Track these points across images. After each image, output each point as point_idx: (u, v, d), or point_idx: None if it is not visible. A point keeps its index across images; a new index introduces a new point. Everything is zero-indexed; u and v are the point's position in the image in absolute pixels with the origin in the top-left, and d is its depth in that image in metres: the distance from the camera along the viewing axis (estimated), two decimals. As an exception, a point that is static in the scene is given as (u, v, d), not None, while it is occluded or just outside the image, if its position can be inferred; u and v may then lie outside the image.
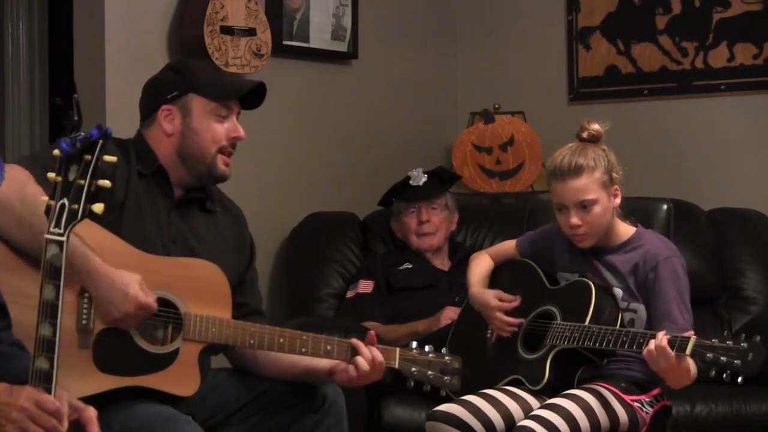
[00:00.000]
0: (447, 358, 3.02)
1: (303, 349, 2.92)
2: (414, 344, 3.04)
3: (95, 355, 2.69)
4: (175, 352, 2.79)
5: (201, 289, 2.84)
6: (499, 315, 3.31)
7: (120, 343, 2.72)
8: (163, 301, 2.78)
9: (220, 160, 2.97)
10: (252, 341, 2.89)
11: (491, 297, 3.34)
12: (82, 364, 2.66)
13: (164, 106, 2.95)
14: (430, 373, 3.00)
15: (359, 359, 2.92)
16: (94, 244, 2.67)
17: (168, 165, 2.94)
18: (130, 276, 2.70)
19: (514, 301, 3.32)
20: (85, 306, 2.68)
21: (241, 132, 3.01)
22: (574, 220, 3.15)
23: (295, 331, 2.93)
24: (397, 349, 3.00)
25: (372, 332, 3.00)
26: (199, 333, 2.81)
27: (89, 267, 2.66)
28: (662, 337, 2.83)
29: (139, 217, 2.85)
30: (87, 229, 2.67)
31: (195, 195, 3.01)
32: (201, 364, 2.85)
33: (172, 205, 2.95)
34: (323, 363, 2.96)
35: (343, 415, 2.99)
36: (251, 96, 3.05)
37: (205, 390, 2.92)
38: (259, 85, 3.04)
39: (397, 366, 2.99)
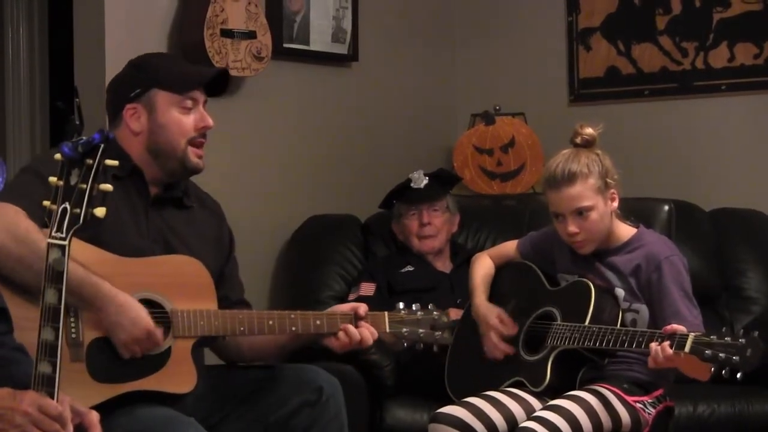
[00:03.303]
0: (435, 313, 3.09)
1: (293, 328, 2.94)
2: (401, 305, 3.09)
3: (89, 366, 2.69)
4: (168, 351, 2.80)
5: (183, 285, 2.85)
6: (494, 337, 3.31)
7: (112, 351, 2.73)
8: (147, 302, 2.79)
9: (192, 152, 2.96)
10: (242, 328, 2.90)
11: (493, 315, 3.33)
12: (78, 377, 2.65)
13: (128, 105, 2.94)
14: (421, 331, 3.06)
15: (350, 327, 2.97)
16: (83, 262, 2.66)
17: (141, 164, 2.94)
18: (139, 304, 2.72)
19: (513, 329, 3.31)
20: (72, 320, 2.68)
21: (209, 121, 2.99)
22: (572, 228, 3.16)
23: (283, 312, 2.96)
24: (386, 313, 3.04)
25: (359, 307, 3.03)
26: (188, 328, 2.82)
27: (99, 293, 2.68)
28: (664, 347, 2.84)
29: (119, 223, 2.84)
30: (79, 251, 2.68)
31: (171, 194, 3.00)
32: (195, 358, 2.85)
33: (148, 204, 2.94)
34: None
35: (341, 409, 2.99)
36: (216, 83, 3.03)
37: (202, 389, 2.93)
38: (222, 72, 3.03)
39: (387, 330, 3.03)
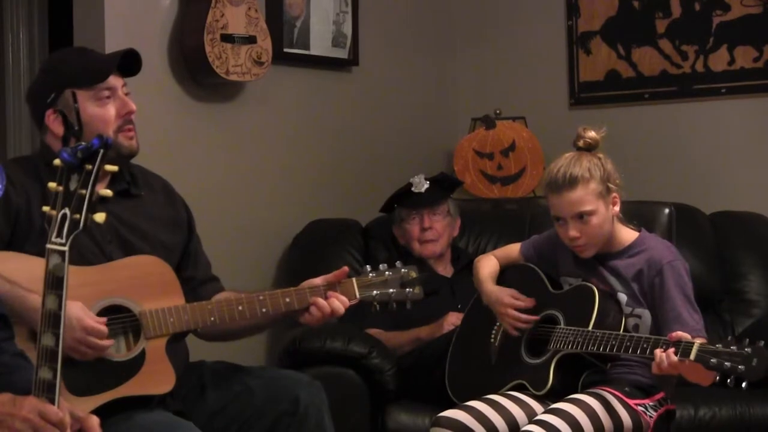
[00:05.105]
0: (403, 270, 3.08)
1: (264, 310, 2.94)
2: (368, 267, 3.08)
3: (67, 382, 2.64)
4: (142, 354, 2.79)
5: (147, 284, 2.84)
6: (512, 311, 3.30)
7: (87, 364, 2.71)
8: (115, 308, 2.77)
9: (122, 138, 2.93)
10: (213, 318, 2.90)
11: (506, 294, 3.33)
12: None
13: (48, 112, 2.91)
14: (391, 290, 3.05)
15: (319, 300, 2.96)
16: (26, 276, 2.63)
17: None
18: (70, 305, 2.64)
19: (527, 301, 3.30)
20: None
21: (132, 106, 2.95)
22: (573, 232, 3.15)
23: (251, 295, 2.95)
24: (354, 280, 3.04)
25: (342, 271, 3.03)
26: (159, 328, 2.81)
27: (26, 307, 2.62)
28: (669, 353, 2.83)
29: None
30: (16, 263, 2.65)
31: (116, 187, 2.95)
32: (172, 356, 2.84)
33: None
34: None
35: (323, 416, 2.97)
36: (129, 64, 2.99)
37: (192, 390, 2.94)
38: (128, 51, 2.97)
39: (358, 296, 3.03)
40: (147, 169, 3.14)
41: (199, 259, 3.15)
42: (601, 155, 3.19)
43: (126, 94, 2.96)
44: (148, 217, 3.02)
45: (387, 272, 3.06)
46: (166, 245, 2.98)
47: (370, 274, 3.06)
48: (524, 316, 3.28)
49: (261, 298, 2.93)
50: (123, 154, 2.94)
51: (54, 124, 2.91)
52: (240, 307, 2.91)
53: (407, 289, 3.06)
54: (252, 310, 2.92)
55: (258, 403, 2.94)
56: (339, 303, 2.98)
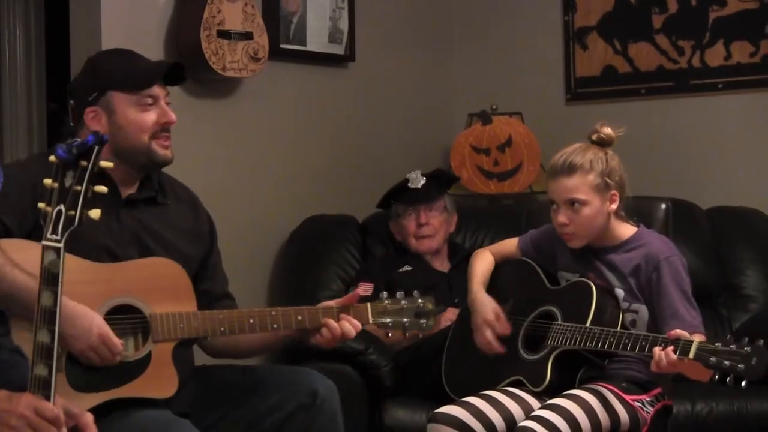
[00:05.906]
0: (420, 300, 3.07)
1: (275, 325, 2.93)
2: (385, 294, 3.08)
3: (68, 377, 2.66)
4: (148, 356, 2.78)
5: (161, 287, 2.83)
6: (489, 333, 3.29)
7: None
8: (126, 308, 2.77)
9: (156, 145, 2.94)
10: (222, 328, 2.89)
11: (490, 310, 3.32)
12: (58, 389, 2.61)
13: (88, 109, 2.92)
14: (405, 320, 3.05)
15: (331, 322, 2.95)
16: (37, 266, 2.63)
17: None
18: (93, 312, 2.69)
19: (506, 329, 3.30)
20: None
21: (172, 116, 2.96)
22: (562, 218, 3.17)
23: (264, 309, 2.94)
24: (368, 305, 3.03)
25: (354, 294, 3.04)
26: (167, 332, 2.81)
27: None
28: (668, 352, 2.83)
29: (90, 229, 2.81)
30: (35, 254, 2.66)
31: (144, 194, 2.97)
32: (177, 361, 2.84)
33: (119, 206, 2.93)
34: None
35: (336, 412, 2.98)
36: (175, 74, 3.01)
37: (200, 389, 2.92)
38: (175, 64, 3.00)
39: (371, 322, 3.03)
40: (176, 179, 3.15)
41: (217, 273, 3.15)
42: (609, 152, 3.20)
43: (167, 104, 2.98)
44: (171, 226, 3.02)
45: (403, 301, 3.06)
46: (184, 255, 2.97)
47: (386, 302, 3.05)
48: (496, 345, 3.28)
49: (273, 313, 2.93)
50: (156, 162, 2.96)
51: (92, 122, 2.91)
52: (251, 320, 2.90)
53: (422, 320, 3.06)
54: (263, 324, 2.91)
55: (277, 395, 2.94)
56: (350, 326, 2.97)
